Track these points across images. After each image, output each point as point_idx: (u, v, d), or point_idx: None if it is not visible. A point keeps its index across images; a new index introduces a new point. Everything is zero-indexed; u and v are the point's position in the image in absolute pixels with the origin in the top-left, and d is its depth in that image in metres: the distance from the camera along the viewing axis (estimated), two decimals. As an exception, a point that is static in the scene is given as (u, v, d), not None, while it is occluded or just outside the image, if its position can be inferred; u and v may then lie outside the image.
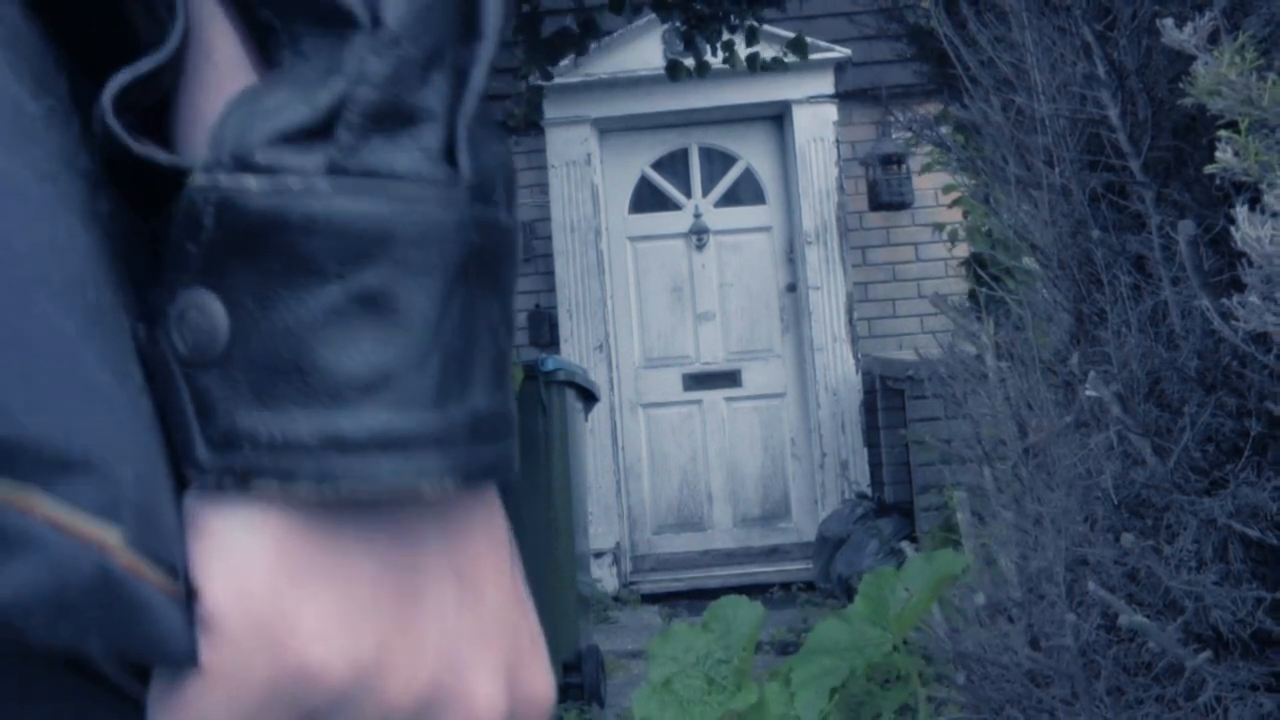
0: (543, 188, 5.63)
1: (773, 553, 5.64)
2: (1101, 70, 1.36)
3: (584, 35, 3.93)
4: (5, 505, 0.25)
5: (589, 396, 3.91)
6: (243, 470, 0.30)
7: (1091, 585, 1.27)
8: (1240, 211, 0.99)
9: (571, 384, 3.66)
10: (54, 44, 0.31)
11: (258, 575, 0.30)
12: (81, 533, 0.27)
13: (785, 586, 5.26)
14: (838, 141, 5.64)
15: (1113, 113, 1.36)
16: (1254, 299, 1.00)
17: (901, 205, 5.63)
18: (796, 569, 5.32)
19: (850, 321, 5.58)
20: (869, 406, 5.48)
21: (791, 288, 5.76)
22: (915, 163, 5.42)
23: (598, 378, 5.16)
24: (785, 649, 4.02)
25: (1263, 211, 0.99)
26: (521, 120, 4.55)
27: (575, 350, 5.52)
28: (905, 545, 2.30)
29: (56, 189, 0.27)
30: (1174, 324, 1.32)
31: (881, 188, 5.58)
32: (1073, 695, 1.35)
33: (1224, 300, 1.08)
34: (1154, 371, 1.32)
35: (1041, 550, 1.43)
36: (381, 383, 0.30)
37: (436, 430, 0.31)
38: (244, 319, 0.30)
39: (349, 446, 0.30)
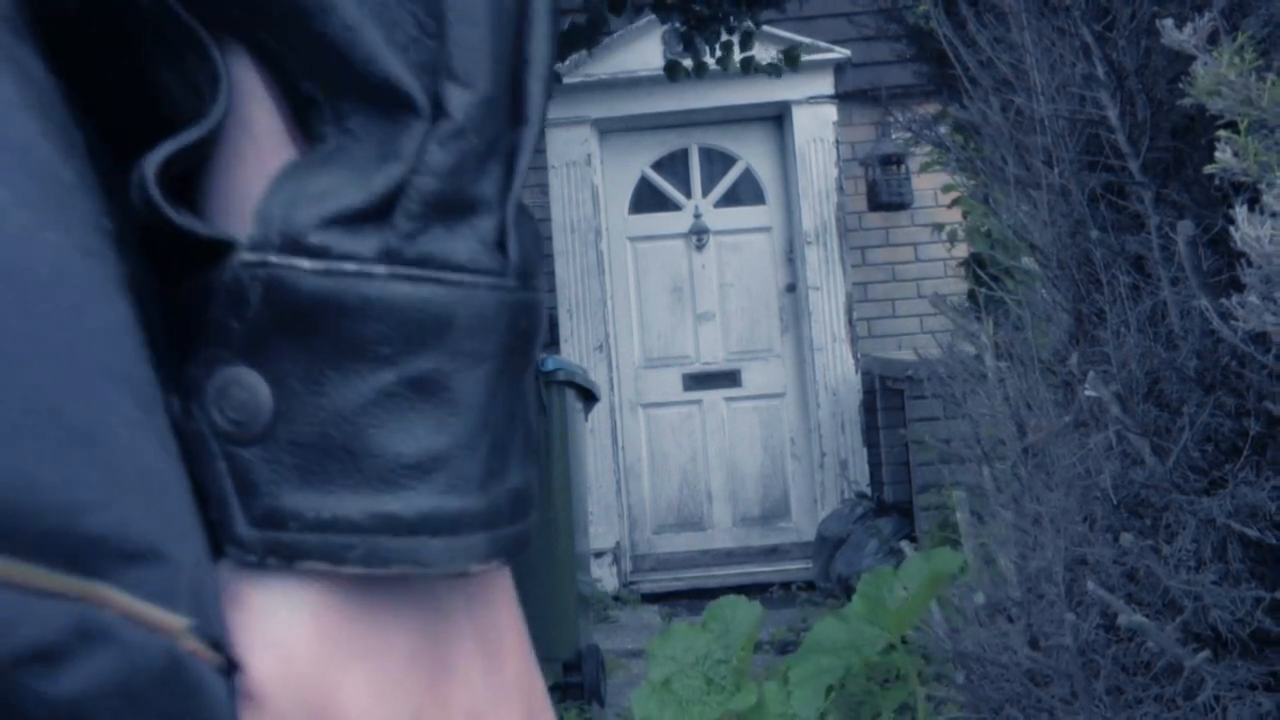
0: (543, 188, 5.63)
1: (772, 552, 5.64)
2: (1100, 71, 1.37)
3: (593, 30, 3.93)
4: (82, 601, 0.26)
5: (589, 396, 3.91)
6: (289, 548, 0.30)
7: (1090, 585, 1.27)
8: (1240, 211, 0.99)
9: (571, 384, 3.66)
10: (73, 104, 0.31)
11: (300, 650, 0.30)
12: (152, 621, 0.27)
13: (785, 586, 5.26)
14: (837, 142, 5.64)
15: (1112, 113, 1.36)
16: (1253, 299, 1.00)
17: (901, 205, 5.63)
18: (796, 568, 5.33)
19: (850, 321, 5.59)
20: (868, 406, 5.48)
21: (791, 288, 5.76)
22: (915, 163, 5.43)
23: (598, 378, 5.16)
24: (785, 648, 4.02)
25: (1262, 211, 0.99)
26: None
27: (575, 350, 5.53)
28: (905, 545, 2.30)
29: (100, 266, 0.27)
30: (1173, 324, 1.32)
31: (881, 188, 5.59)
32: (1072, 694, 1.35)
33: (1223, 300, 1.08)
34: (1153, 371, 1.32)
35: (1041, 550, 1.43)
36: (434, 466, 0.31)
37: (482, 511, 0.32)
38: (290, 398, 0.30)
39: (400, 528, 0.30)
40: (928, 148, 3.67)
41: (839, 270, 5.60)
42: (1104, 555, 1.32)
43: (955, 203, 4.88)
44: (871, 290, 5.72)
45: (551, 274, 5.60)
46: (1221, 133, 1.03)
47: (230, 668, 0.30)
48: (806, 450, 5.70)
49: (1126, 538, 1.25)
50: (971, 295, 3.86)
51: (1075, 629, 1.32)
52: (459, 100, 0.31)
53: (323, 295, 0.29)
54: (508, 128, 0.32)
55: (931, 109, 3.00)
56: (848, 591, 4.35)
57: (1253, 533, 1.21)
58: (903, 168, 5.57)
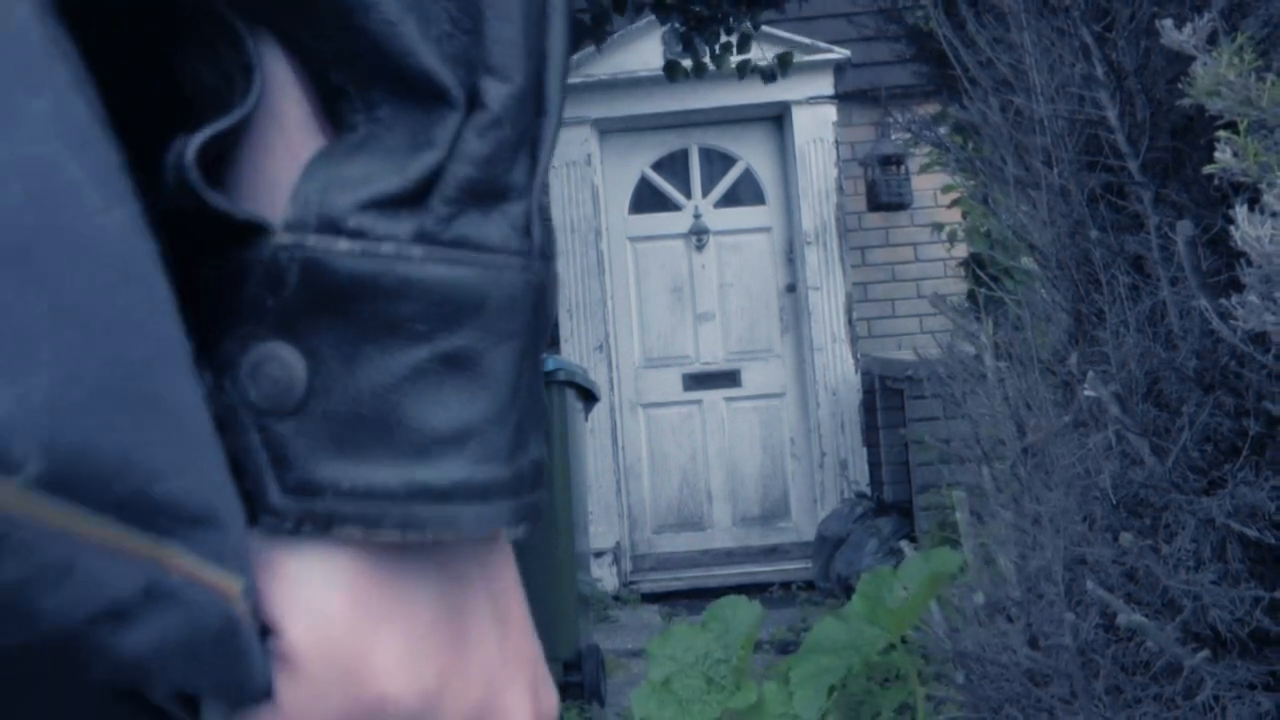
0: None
1: (772, 552, 5.64)
2: (1100, 71, 1.37)
3: (598, 27, 3.94)
4: (152, 561, 0.26)
5: (589, 396, 3.91)
6: (325, 516, 0.31)
7: (1090, 584, 1.27)
8: (1240, 212, 0.99)
9: (572, 384, 3.66)
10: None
11: (335, 615, 0.32)
12: (212, 584, 0.28)
13: (785, 586, 5.26)
14: (837, 142, 5.64)
15: (1111, 113, 1.37)
16: (1252, 299, 1.01)
17: (901, 206, 5.63)
18: (796, 568, 5.33)
19: (850, 322, 5.59)
20: (868, 406, 5.49)
21: (791, 288, 5.76)
22: (914, 163, 5.43)
23: (598, 378, 5.17)
24: (784, 648, 4.02)
25: (1262, 211, 0.99)
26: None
27: (575, 350, 5.53)
28: (904, 544, 2.30)
29: (150, 243, 0.28)
30: (1172, 324, 1.32)
31: (881, 188, 5.59)
32: (1071, 694, 1.35)
33: (1222, 300, 1.08)
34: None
35: (1040, 549, 1.44)
36: (466, 437, 0.32)
37: (509, 480, 0.33)
38: (325, 373, 0.31)
39: (434, 496, 0.32)
40: (927, 148, 3.67)
41: (839, 270, 5.60)
42: (1103, 555, 1.32)
43: (955, 203, 4.89)
44: (871, 290, 5.72)
45: (551, 274, 5.59)
46: (1221, 133, 1.03)
47: (264, 632, 0.31)
48: (806, 450, 5.70)
49: (1126, 537, 1.25)
50: (971, 295, 3.86)
51: (1075, 629, 1.33)
52: (496, 93, 0.32)
53: (360, 275, 0.31)
54: (534, 119, 0.34)
55: (931, 109, 3.00)
56: (847, 591, 4.35)
57: (1252, 532, 1.21)
58: (902, 168, 5.57)
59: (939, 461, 3.80)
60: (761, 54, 4.40)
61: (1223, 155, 1.02)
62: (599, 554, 5.30)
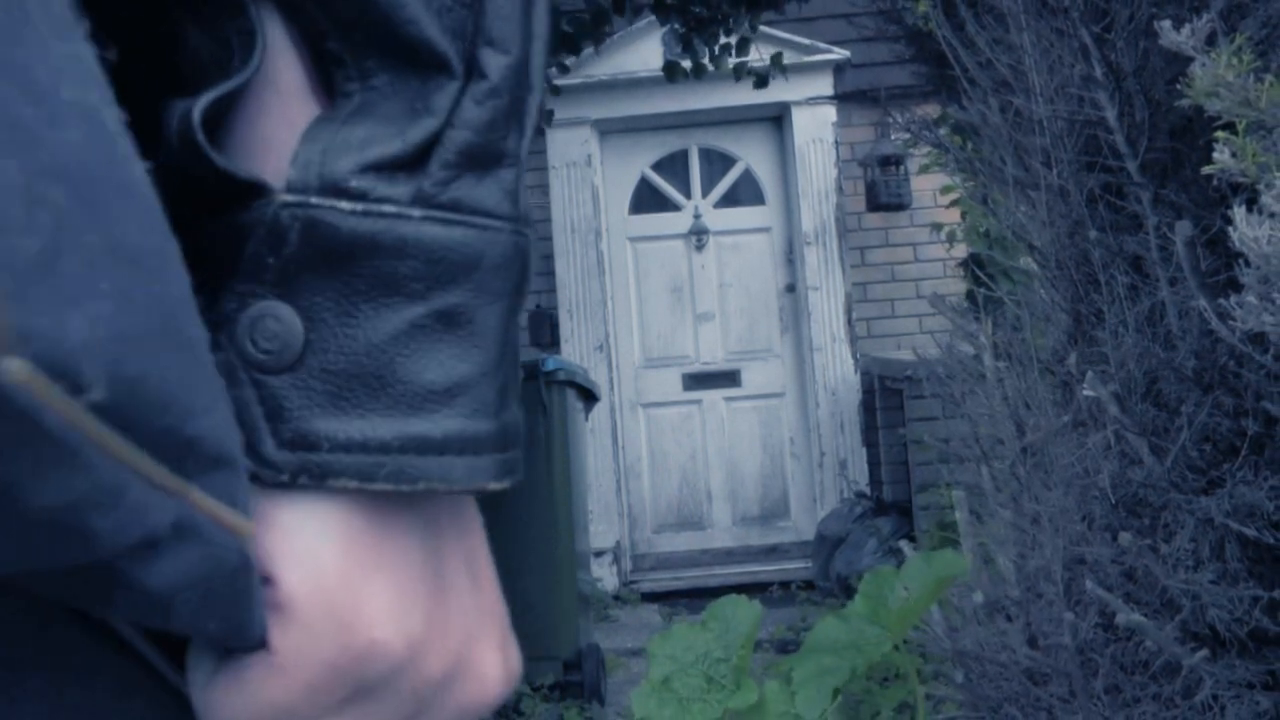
0: (543, 189, 5.63)
1: (772, 551, 5.64)
2: (1099, 72, 1.37)
3: (596, 26, 3.94)
4: (181, 497, 0.27)
5: (589, 396, 3.91)
6: (321, 468, 0.32)
7: (1089, 584, 1.28)
8: (1238, 212, 1.00)
9: (572, 384, 3.66)
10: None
11: (329, 563, 0.33)
12: (230, 523, 0.29)
13: (784, 585, 5.26)
14: (837, 143, 5.64)
15: (1110, 114, 1.37)
16: (1251, 299, 1.01)
17: (900, 206, 5.64)
18: (795, 568, 5.33)
19: (849, 322, 5.59)
20: (868, 406, 5.49)
21: (791, 288, 5.77)
22: (914, 164, 5.43)
23: (598, 378, 5.17)
24: (784, 647, 4.03)
25: (1260, 212, 1.00)
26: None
27: (575, 350, 5.53)
28: (904, 544, 2.30)
29: (154, 193, 0.28)
30: (1171, 324, 1.32)
31: (880, 188, 5.59)
32: (1070, 693, 1.36)
33: (1221, 300, 1.08)
34: (1151, 371, 1.32)
35: (1039, 549, 1.44)
36: (458, 391, 0.33)
37: (496, 434, 0.35)
38: (322, 329, 0.32)
39: (428, 448, 0.33)
40: (927, 149, 3.67)
41: (838, 270, 5.61)
42: (1102, 554, 1.32)
43: (954, 203, 4.89)
44: (871, 290, 5.72)
45: (551, 274, 5.60)
46: (1219, 134, 1.03)
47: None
48: (806, 450, 5.71)
49: (1125, 537, 1.25)
50: (970, 295, 3.87)
51: (1074, 628, 1.33)
52: (495, 63, 0.34)
53: (361, 234, 0.32)
54: (526, 92, 0.35)
55: (930, 110, 3.00)
56: (847, 590, 4.36)
57: (1250, 532, 1.21)
58: (902, 168, 5.58)
59: (938, 461, 3.80)
60: (760, 55, 4.40)
61: (1221, 156, 1.02)
62: (599, 553, 5.31)
